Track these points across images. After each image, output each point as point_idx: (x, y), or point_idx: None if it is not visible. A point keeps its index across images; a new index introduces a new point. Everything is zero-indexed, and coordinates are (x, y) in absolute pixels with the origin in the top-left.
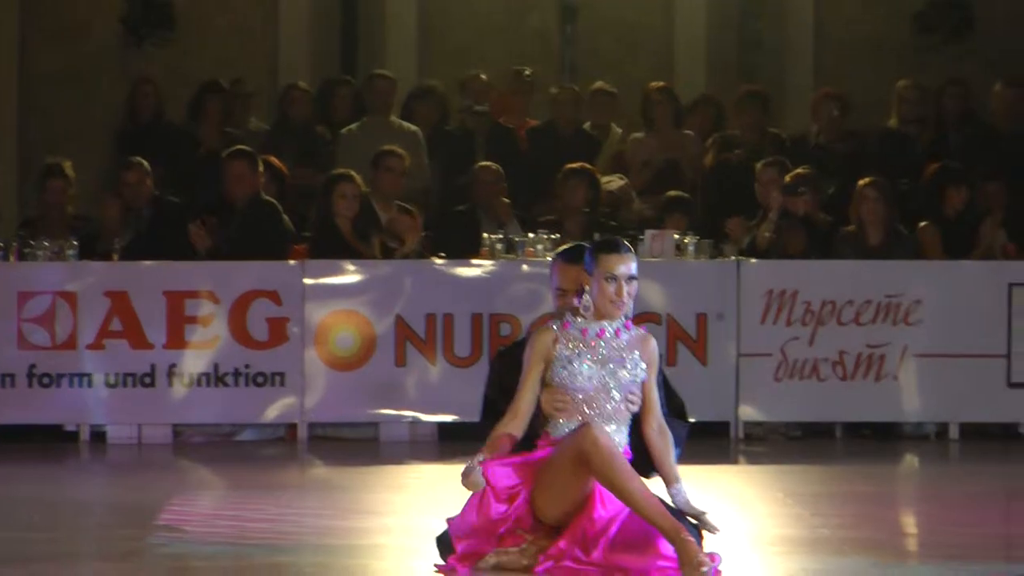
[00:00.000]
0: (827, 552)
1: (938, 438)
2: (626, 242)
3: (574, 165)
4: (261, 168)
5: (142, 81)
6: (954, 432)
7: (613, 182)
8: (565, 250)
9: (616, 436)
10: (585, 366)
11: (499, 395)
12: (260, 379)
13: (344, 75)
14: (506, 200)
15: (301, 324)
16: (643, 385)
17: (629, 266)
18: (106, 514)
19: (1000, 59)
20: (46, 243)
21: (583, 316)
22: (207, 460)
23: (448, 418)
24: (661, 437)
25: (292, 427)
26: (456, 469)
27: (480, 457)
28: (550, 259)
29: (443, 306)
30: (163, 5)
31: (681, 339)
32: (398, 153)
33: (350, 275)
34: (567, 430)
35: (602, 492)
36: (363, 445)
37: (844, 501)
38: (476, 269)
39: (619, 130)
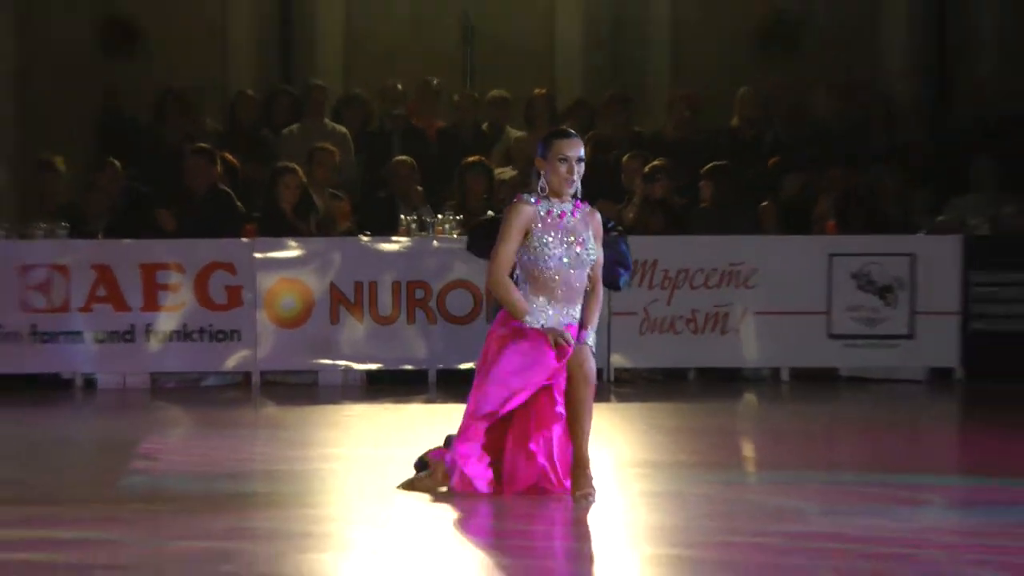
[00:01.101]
0: (684, 472)
1: (771, 380)
2: (572, 130)
3: (473, 159)
4: (218, 163)
5: (112, 92)
6: (785, 375)
7: (505, 172)
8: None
9: (574, 311)
10: (553, 246)
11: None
12: (220, 336)
13: (284, 84)
14: (419, 188)
15: (253, 290)
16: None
17: (577, 149)
18: (94, 448)
19: (825, 67)
20: (42, 225)
21: (546, 197)
22: (178, 402)
23: (374, 366)
24: (592, 294)
25: (247, 375)
26: (383, 408)
27: (531, 318)
28: (456, 236)
29: (369, 275)
30: (129, 29)
31: None
32: (330, 150)
33: (292, 250)
34: (534, 305)
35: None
36: (304, 389)
37: (697, 432)
38: (395, 244)
39: (512, 130)
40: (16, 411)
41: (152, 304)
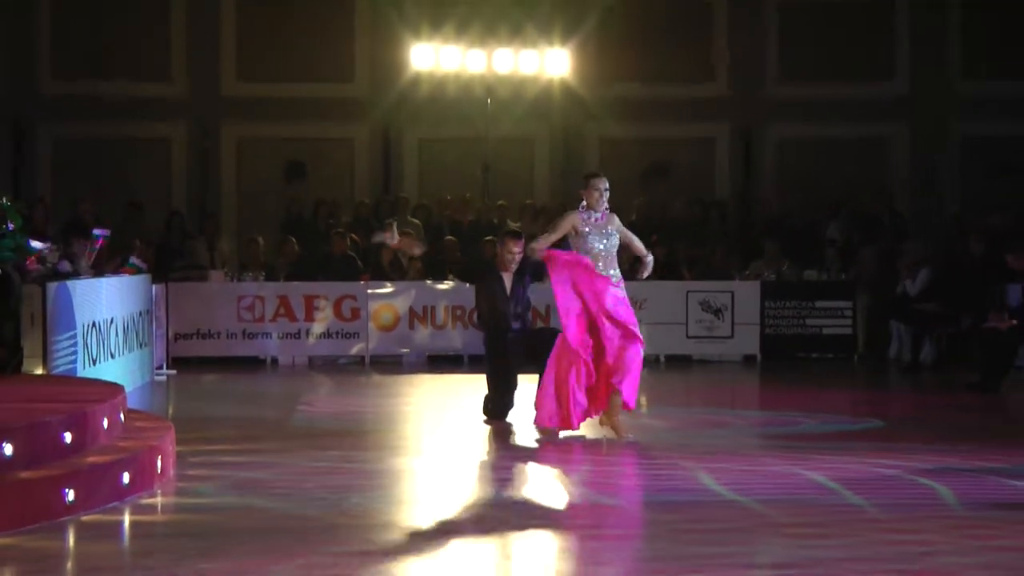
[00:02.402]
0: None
1: (656, 361)
2: (600, 172)
3: (489, 238)
4: (347, 239)
5: (291, 201)
6: (662, 359)
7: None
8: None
9: (612, 272)
10: (594, 238)
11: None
12: (347, 335)
13: (385, 195)
14: (458, 254)
15: (366, 310)
16: (620, 237)
17: (604, 182)
18: (276, 399)
19: (686, 187)
20: (249, 273)
21: (586, 210)
22: (324, 373)
23: (433, 353)
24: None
25: (362, 358)
26: (441, 379)
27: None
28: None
29: (430, 302)
30: (300, 165)
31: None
32: (411, 231)
33: (388, 288)
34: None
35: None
36: (394, 366)
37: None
38: (445, 285)
39: (510, 222)
40: (232, 377)
41: (310, 318)
